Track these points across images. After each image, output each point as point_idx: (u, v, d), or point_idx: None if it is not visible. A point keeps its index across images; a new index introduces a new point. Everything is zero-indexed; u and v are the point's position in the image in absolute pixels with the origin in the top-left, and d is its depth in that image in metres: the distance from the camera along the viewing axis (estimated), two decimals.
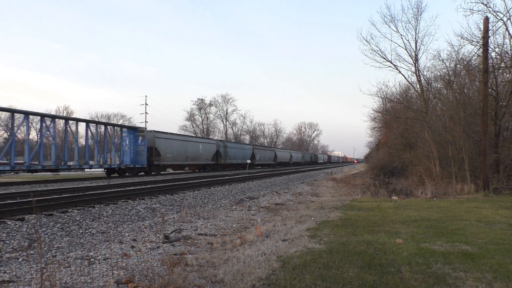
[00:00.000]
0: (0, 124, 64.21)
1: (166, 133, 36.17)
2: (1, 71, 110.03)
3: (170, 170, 40.83)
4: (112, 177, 27.52)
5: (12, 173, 33.66)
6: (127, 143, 29.21)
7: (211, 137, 76.55)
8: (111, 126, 29.09)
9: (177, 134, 38.71)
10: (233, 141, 60.38)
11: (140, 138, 29.90)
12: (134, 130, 30.34)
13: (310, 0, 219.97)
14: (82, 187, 16.71)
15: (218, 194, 16.51)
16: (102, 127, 27.93)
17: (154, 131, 33.46)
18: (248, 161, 50.85)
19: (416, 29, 20.25)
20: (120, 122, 74.05)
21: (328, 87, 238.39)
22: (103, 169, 34.19)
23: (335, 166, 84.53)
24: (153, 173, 31.81)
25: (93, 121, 27.42)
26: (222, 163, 45.31)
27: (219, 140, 49.06)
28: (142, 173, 31.13)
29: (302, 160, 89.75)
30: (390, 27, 22.30)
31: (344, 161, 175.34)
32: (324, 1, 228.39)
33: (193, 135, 42.30)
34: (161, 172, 34.57)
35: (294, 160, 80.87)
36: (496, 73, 17.49)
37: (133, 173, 29.59)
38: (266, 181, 25.01)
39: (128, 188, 16.29)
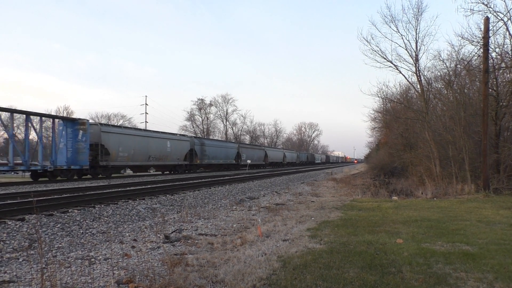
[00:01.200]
0: None
1: (119, 126, 30.13)
2: (2, 72, 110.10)
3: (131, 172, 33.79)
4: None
5: None
6: (63, 138, 23.13)
7: (211, 137, 76.05)
8: (36, 117, 22.94)
9: (134, 129, 31.67)
10: (213, 138, 49.35)
11: (81, 132, 23.57)
12: (72, 123, 23.81)
13: (311, 1, 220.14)
14: (82, 187, 16.71)
15: (219, 194, 16.51)
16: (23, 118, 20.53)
17: (101, 123, 27.78)
18: (249, 161, 49.86)
19: (416, 29, 20.28)
20: (120, 122, 73.80)
21: (328, 88, 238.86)
22: (19, 172, 28.00)
23: (334, 166, 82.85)
24: (99, 175, 26.20)
25: (6, 109, 20.72)
26: (198, 164, 38.95)
27: (195, 137, 42.15)
28: (89, 175, 25.67)
29: (297, 160, 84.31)
30: (390, 27, 22.32)
31: (344, 161, 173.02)
32: (324, 2, 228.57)
33: (158, 131, 34.60)
34: (114, 175, 28.40)
35: (288, 160, 75.41)
36: (496, 73, 17.49)
37: (68, 176, 23.20)
38: (266, 181, 25.02)
39: (128, 188, 16.30)
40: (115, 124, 31.81)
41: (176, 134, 38.55)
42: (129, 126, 59.07)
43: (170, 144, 33.44)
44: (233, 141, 54.94)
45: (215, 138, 49.73)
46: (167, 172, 35.86)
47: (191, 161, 37.48)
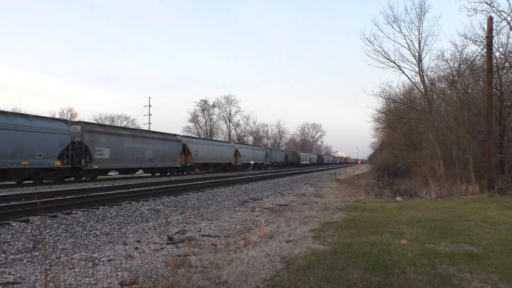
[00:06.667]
0: None
1: None
2: (5, 73, 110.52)
3: None
4: (116, 178, 26.64)
5: None
6: None
7: (214, 138, 75.32)
8: None
9: None
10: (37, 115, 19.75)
11: None
12: None
13: (314, 1, 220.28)
14: (86, 188, 16.76)
15: (222, 195, 16.51)
16: None
17: None
18: (252, 162, 47.59)
19: (419, 29, 20.20)
20: (123, 124, 74.02)
21: (331, 88, 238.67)
22: None
23: (331, 168, 69.39)
24: None
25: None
26: None
27: None
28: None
29: (267, 161, 57.51)
30: (393, 27, 22.20)
31: (343, 162, 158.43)
32: (326, 3, 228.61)
33: None
34: None
35: (245, 160, 47.90)
36: (500, 73, 17.40)
37: None
38: (270, 182, 25.03)
39: (131, 190, 16.33)
40: None
41: None
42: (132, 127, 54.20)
43: None
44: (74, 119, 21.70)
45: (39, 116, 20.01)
46: None
47: None
